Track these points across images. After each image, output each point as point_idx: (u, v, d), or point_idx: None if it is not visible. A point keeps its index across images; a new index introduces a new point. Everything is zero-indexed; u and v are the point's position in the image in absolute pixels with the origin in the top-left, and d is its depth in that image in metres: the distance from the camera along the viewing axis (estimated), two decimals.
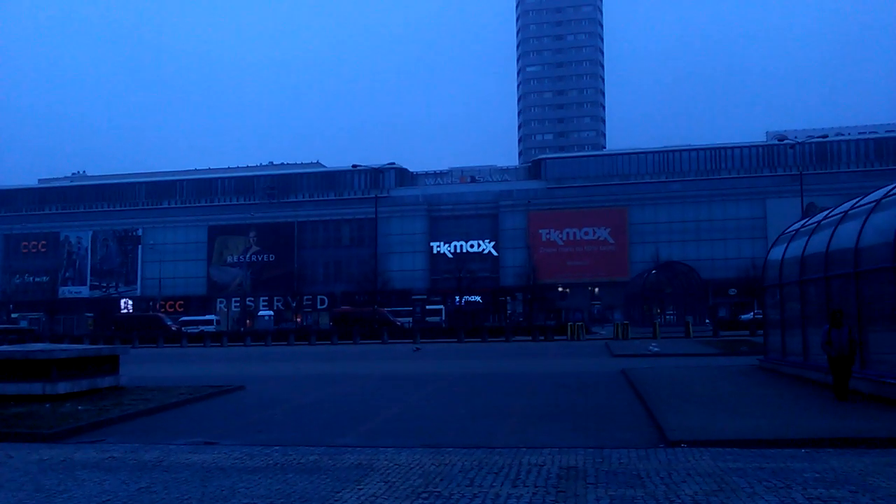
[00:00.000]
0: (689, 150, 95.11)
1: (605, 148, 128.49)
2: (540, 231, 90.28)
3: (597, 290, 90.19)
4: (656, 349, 34.56)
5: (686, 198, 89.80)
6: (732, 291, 79.51)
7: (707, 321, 60.61)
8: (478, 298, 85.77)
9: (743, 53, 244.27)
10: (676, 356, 30.63)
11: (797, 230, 21.13)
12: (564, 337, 49.27)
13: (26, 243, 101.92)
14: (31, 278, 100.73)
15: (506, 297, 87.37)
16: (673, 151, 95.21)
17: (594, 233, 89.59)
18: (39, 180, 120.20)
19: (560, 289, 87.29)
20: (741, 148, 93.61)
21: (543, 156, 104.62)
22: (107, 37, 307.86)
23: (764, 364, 22.45)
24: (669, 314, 64.52)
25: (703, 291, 64.17)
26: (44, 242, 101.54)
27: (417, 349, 41.27)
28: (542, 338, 49.83)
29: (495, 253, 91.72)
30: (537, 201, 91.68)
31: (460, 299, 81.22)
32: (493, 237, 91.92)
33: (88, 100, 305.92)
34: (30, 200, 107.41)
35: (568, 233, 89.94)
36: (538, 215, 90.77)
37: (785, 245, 21.46)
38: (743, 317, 64.64)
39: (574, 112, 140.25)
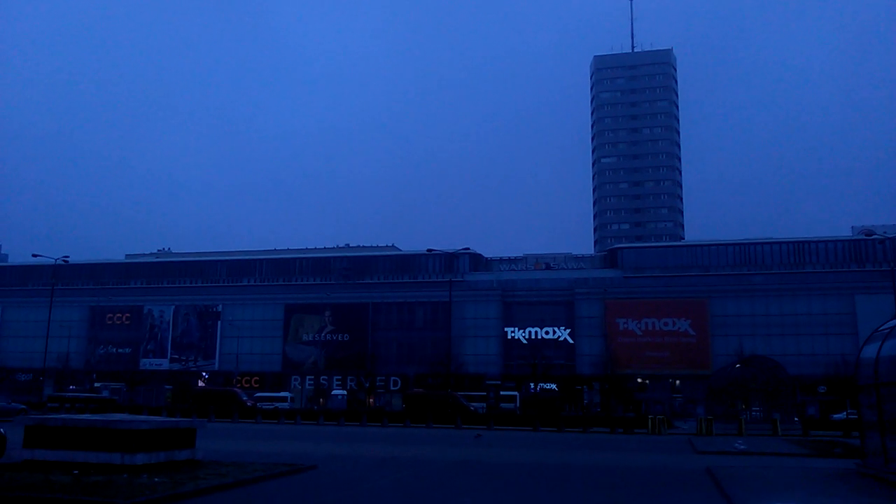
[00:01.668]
0: (772, 243, 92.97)
1: (682, 238, 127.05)
2: (617, 320, 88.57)
3: (677, 382, 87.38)
4: (743, 447, 32.86)
5: (769, 291, 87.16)
6: (822, 389, 75.79)
7: (795, 419, 57.67)
8: (553, 386, 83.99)
9: (825, 144, 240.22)
10: (764, 455, 29.03)
11: (893, 327, 20.00)
12: (644, 430, 47.39)
13: (111, 315, 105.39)
14: (115, 349, 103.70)
15: (582, 386, 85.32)
16: (754, 244, 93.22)
17: (674, 324, 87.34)
18: (126, 255, 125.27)
19: (639, 380, 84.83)
20: (826, 242, 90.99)
21: (620, 245, 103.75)
22: (191, 121, 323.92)
23: (862, 469, 20.98)
24: (755, 411, 61.58)
25: (791, 388, 61.21)
26: (128, 315, 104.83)
27: (479, 436, 40.35)
28: (620, 430, 48.12)
29: (571, 340, 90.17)
30: (614, 290, 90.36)
31: (535, 386, 79.67)
32: (568, 324, 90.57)
33: (173, 180, 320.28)
34: (116, 274, 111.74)
35: (647, 323, 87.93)
36: (615, 304, 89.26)
37: (880, 343, 20.31)
38: (834, 416, 61.19)
39: (650, 203, 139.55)
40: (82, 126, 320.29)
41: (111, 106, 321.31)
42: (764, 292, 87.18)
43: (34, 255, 77.91)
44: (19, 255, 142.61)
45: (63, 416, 25.29)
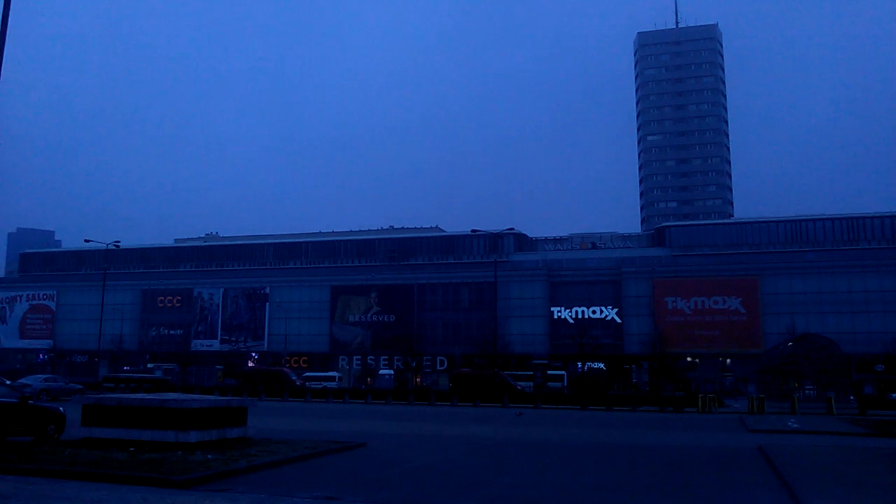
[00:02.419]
0: (825, 220, 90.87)
1: (731, 216, 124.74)
2: (666, 299, 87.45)
3: (728, 361, 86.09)
4: (796, 426, 32.19)
5: (822, 268, 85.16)
6: (879, 367, 73.91)
7: (851, 398, 56.36)
8: (600, 365, 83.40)
9: (878, 117, 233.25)
10: (819, 434, 28.37)
11: None
12: (694, 409, 46.74)
13: (162, 298, 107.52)
14: (167, 331, 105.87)
15: (630, 366, 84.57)
16: (806, 220, 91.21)
17: (724, 302, 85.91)
18: (175, 240, 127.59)
19: (689, 359, 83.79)
20: (882, 217, 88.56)
21: (667, 223, 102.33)
22: (238, 106, 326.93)
23: None
24: (809, 389, 60.33)
25: (846, 366, 59.83)
26: (179, 298, 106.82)
27: (520, 414, 40.21)
28: (670, 409, 47.52)
29: (618, 320, 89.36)
30: (661, 269, 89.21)
31: (582, 365, 79.19)
32: (615, 304, 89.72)
33: (221, 165, 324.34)
34: (166, 258, 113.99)
35: (696, 301, 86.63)
36: (663, 283, 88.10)
37: None
38: (894, 395, 59.65)
39: (698, 180, 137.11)
40: (132, 114, 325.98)
41: (162, 92, 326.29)
42: (817, 269, 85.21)
43: (86, 241, 79.55)
44: (72, 241, 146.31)
45: (118, 395, 25.81)
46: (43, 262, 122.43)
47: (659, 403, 49.72)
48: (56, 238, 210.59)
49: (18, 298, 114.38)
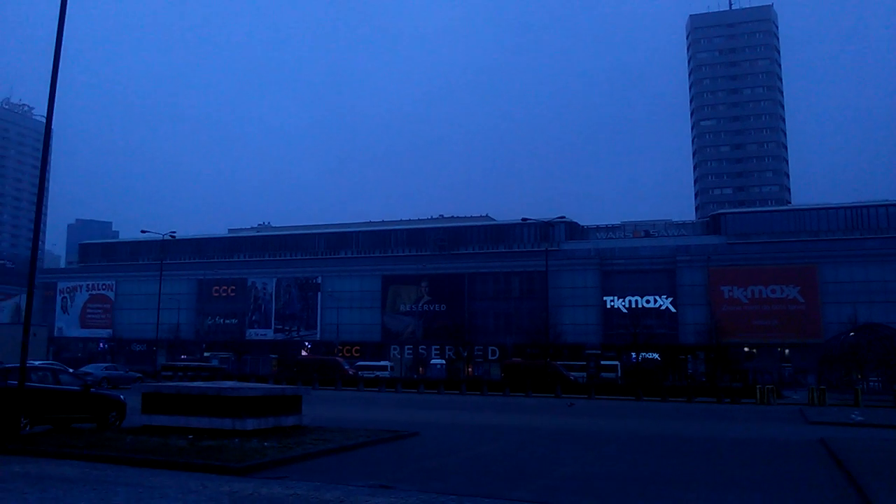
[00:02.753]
0: (887, 206, 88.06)
1: (789, 202, 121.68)
2: (721, 288, 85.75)
3: (786, 351, 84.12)
4: (860, 418, 31.17)
5: (885, 256, 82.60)
6: None
7: None
8: (655, 356, 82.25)
9: None
10: (886, 427, 27.38)
11: None
12: (752, 400, 45.73)
13: (217, 288, 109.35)
14: (222, 320, 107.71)
15: (685, 356, 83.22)
16: (867, 206, 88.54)
17: (782, 291, 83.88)
18: (229, 230, 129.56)
19: (745, 349, 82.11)
20: None
21: (722, 210, 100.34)
22: (288, 97, 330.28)
23: None
24: (873, 381, 58.55)
25: None
26: (233, 287, 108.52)
27: (571, 404, 39.80)
28: (727, 400, 46.60)
29: (673, 309, 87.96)
30: (717, 257, 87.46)
31: (637, 356, 78.17)
32: (670, 293, 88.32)
33: (273, 155, 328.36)
34: (221, 249, 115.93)
35: (752, 290, 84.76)
36: (719, 271, 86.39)
37: None
38: None
39: (754, 166, 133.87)
40: (187, 106, 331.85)
41: (216, 83, 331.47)
42: (879, 257, 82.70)
43: (143, 231, 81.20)
44: (129, 232, 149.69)
45: (177, 384, 26.21)
46: (102, 252, 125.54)
47: (715, 394, 48.82)
48: (114, 229, 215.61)
49: (79, 288, 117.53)
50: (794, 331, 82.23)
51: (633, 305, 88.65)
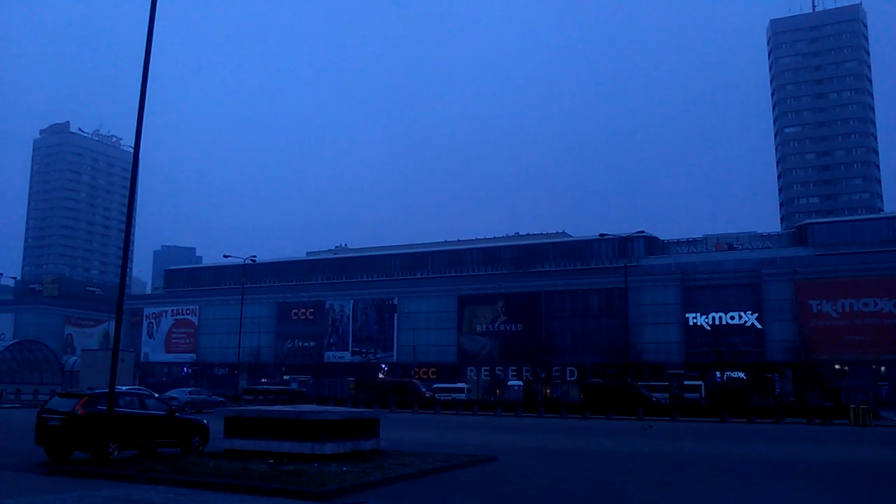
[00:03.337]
0: None
1: (881, 210, 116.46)
2: (810, 302, 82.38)
3: (882, 368, 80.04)
4: None
5: None
6: None
7: None
8: (740, 374, 79.39)
9: None
10: None
11: None
12: (846, 421, 43.55)
13: (296, 311, 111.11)
14: (301, 343, 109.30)
15: (772, 374, 79.97)
16: None
17: (875, 304, 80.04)
18: (307, 253, 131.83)
19: (837, 366, 78.61)
20: None
21: (809, 220, 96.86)
22: (364, 120, 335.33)
23: None
24: None
25: None
26: (311, 310, 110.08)
27: (649, 427, 38.54)
28: (818, 421, 44.53)
29: (759, 325, 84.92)
30: (804, 269, 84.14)
31: (721, 375, 75.61)
32: (755, 308, 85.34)
33: (349, 177, 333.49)
34: (299, 271, 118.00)
35: (843, 304, 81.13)
36: (807, 285, 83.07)
37: None
38: None
39: (842, 173, 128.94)
40: (263, 131, 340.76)
41: (292, 108, 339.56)
42: None
43: (225, 256, 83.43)
44: (212, 257, 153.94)
45: (258, 407, 26.44)
46: (186, 278, 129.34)
47: (805, 415, 46.74)
48: (197, 254, 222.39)
49: (164, 314, 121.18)
50: (890, 346, 78.20)
51: (717, 322, 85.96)
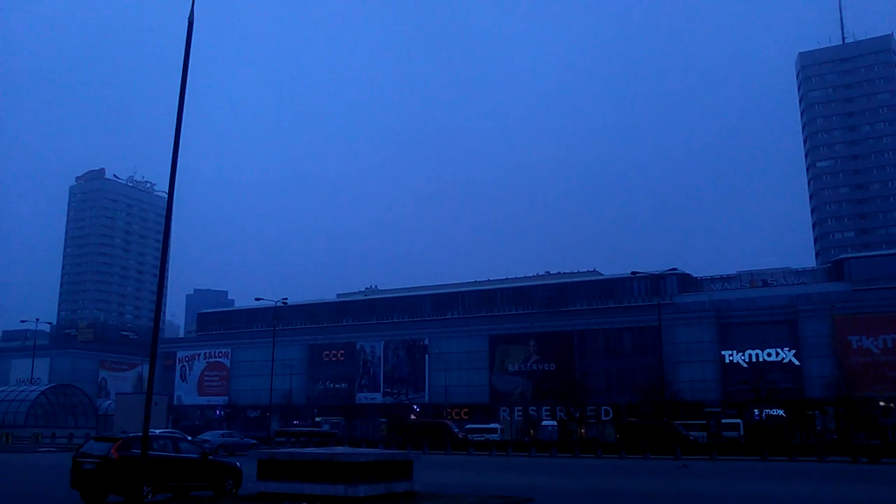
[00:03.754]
0: None
1: None
2: (849, 338, 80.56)
3: None
4: None
5: None
6: None
7: None
8: (780, 412, 77.57)
9: None
10: None
11: None
12: (894, 460, 42.16)
13: (327, 352, 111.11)
14: (332, 385, 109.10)
15: (813, 412, 78.07)
16: None
17: None
18: (338, 295, 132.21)
19: (881, 403, 76.55)
20: None
21: (845, 255, 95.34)
22: (394, 161, 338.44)
23: None
24: None
25: None
26: (342, 351, 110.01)
27: (685, 466, 37.59)
28: (864, 459, 43.14)
29: (796, 362, 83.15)
30: (842, 305, 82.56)
31: (760, 413, 73.94)
32: (792, 344, 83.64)
33: (380, 218, 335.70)
34: (330, 313, 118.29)
35: (884, 339, 79.19)
36: (845, 320, 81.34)
37: None
38: None
39: (877, 206, 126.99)
40: (293, 172, 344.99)
41: (321, 148, 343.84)
42: None
43: (257, 299, 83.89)
44: (244, 300, 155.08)
45: (290, 449, 26.26)
46: (218, 321, 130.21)
47: (850, 453, 45.33)
48: (229, 297, 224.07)
49: (197, 357, 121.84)
50: None
51: (754, 359, 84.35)
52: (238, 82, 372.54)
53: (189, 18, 19.58)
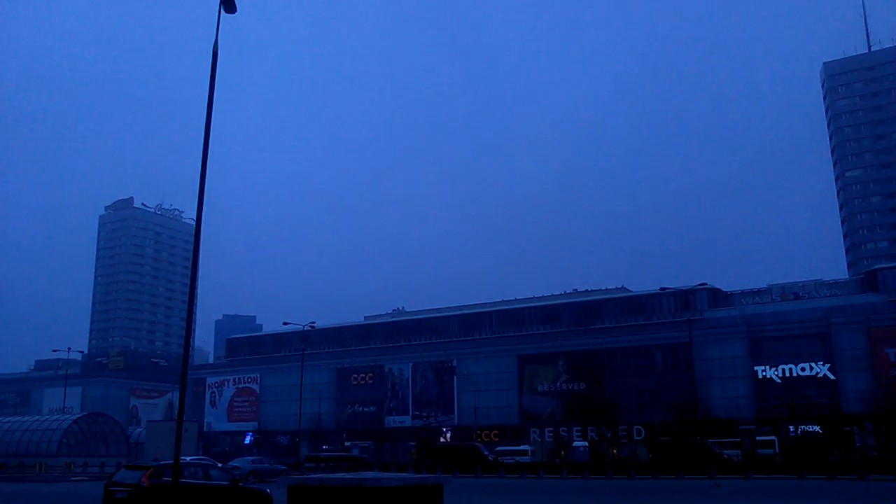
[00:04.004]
0: None
1: None
2: (886, 350, 78.98)
3: None
4: None
5: None
6: None
7: None
8: (816, 428, 76.03)
9: None
10: None
11: None
12: None
13: (355, 375, 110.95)
14: (361, 408, 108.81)
15: (851, 427, 76.42)
16: None
17: None
18: (365, 317, 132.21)
19: None
20: None
21: (879, 266, 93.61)
22: (420, 183, 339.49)
23: None
24: None
25: None
26: (370, 374, 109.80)
27: (717, 485, 36.77)
28: None
29: (831, 376, 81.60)
30: (877, 317, 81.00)
31: (795, 429, 72.53)
32: (826, 358, 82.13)
33: (405, 239, 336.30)
34: (357, 336, 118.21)
35: None
36: (881, 332, 79.79)
37: None
38: None
39: None
40: (318, 195, 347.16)
41: (345, 170, 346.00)
42: None
43: (285, 324, 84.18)
44: (272, 324, 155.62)
45: (320, 475, 26.00)
46: (247, 346, 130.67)
47: (892, 471, 44.05)
48: (257, 322, 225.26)
49: (226, 383, 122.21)
50: None
51: (787, 374, 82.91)
52: (264, 104, 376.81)
53: (213, 49, 19.73)
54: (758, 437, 72.19)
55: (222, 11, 20.26)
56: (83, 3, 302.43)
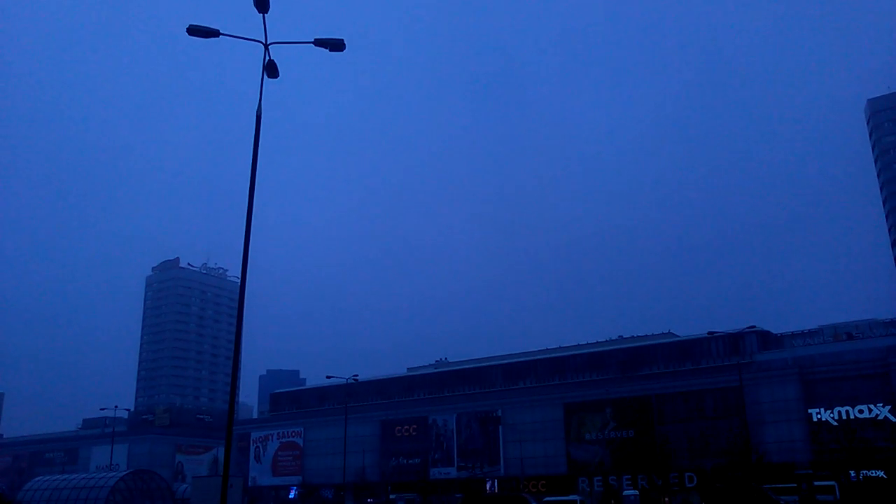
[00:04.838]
0: None
1: None
2: None
3: None
4: None
5: None
6: None
7: None
8: (880, 473, 72.92)
9: None
10: None
11: None
12: None
13: (399, 427, 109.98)
14: (405, 460, 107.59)
15: None
16: None
17: None
18: (408, 369, 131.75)
19: None
20: None
21: None
22: (464, 222, 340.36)
23: None
24: None
25: None
26: (414, 426, 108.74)
27: None
28: None
29: (893, 418, 78.42)
30: None
31: (856, 474, 69.66)
32: (887, 400, 78.99)
33: (447, 289, 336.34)
34: (401, 388, 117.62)
35: None
36: None
37: None
38: None
39: None
40: (360, 247, 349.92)
41: (383, 221, 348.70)
42: None
43: (328, 377, 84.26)
44: (315, 378, 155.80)
45: None
46: (290, 400, 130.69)
47: None
48: (301, 376, 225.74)
49: (270, 437, 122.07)
50: None
51: (844, 416, 79.87)
52: (303, 156, 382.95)
53: (257, 113, 19.98)
54: (816, 483, 69.34)
55: (265, 77, 20.60)
56: (128, 71, 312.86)
